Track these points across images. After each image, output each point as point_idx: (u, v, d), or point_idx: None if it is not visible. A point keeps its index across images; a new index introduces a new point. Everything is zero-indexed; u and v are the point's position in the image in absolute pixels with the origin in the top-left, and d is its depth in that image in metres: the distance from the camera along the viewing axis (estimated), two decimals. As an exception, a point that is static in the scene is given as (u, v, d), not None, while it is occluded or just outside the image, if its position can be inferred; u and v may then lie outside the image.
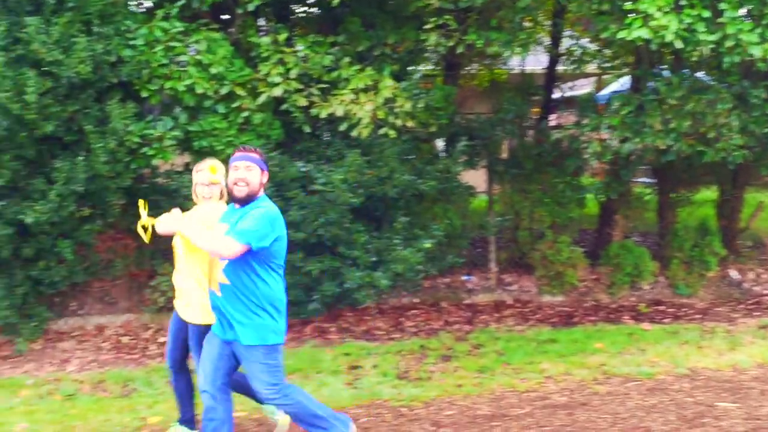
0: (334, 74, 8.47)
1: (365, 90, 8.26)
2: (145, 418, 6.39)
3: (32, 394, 7.06)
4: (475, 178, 10.37)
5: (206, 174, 5.51)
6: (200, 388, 5.26)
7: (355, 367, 7.66)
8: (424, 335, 8.79)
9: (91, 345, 8.50)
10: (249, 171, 5.01)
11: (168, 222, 5.07)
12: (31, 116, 7.53)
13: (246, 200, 5.04)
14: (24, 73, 7.48)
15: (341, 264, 8.47)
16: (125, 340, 8.65)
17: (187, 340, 5.66)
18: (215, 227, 5.16)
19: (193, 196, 5.68)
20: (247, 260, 4.93)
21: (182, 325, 5.67)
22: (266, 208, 5.03)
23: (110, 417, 6.43)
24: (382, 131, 8.34)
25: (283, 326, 5.15)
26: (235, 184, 5.03)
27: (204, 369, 5.23)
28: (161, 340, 8.63)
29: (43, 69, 7.62)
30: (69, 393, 7.09)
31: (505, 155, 10.56)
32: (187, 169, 8.94)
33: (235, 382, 5.51)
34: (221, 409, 5.19)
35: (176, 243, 5.62)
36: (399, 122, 8.33)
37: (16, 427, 6.16)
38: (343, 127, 8.29)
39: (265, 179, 5.10)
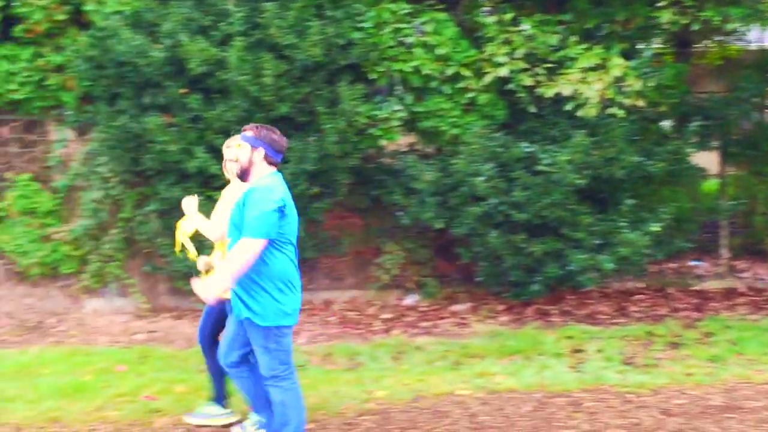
0: (561, 53, 8.33)
1: (593, 69, 8.08)
2: (372, 392, 6.55)
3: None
4: (707, 159, 9.92)
5: (234, 151, 5.48)
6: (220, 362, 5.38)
7: (578, 351, 7.55)
8: (649, 321, 8.54)
9: (319, 319, 8.83)
10: (238, 149, 5.02)
11: (200, 291, 4.88)
12: (268, 98, 7.88)
13: (240, 177, 5.02)
14: (262, 57, 7.84)
15: (564, 246, 8.34)
16: (351, 315, 8.94)
17: (217, 321, 5.68)
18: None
19: (224, 172, 5.65)
20: None
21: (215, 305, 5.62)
22: (261, 189, 4.85)
23: (339, 388, 6.64)
24: (609, 111, 8.14)
25: (291, 307, 4.95)
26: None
27: (221, 345, 5.36)
28: (385, 316, 8.85)
29: (279, 52, 7.95)
30: (300, 364, 7.35)
31: (740, 136, 10.02)
32: (412, 149, 9.11)
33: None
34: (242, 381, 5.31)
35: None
36: (628, 102, 8.10)
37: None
38: (569, 107, 8.15)
39: (258, 156, 4.96)
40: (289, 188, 7.95)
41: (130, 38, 7.96)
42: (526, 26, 8.43)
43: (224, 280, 4.72)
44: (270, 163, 5.02)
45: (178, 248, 5.79)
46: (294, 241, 5.04)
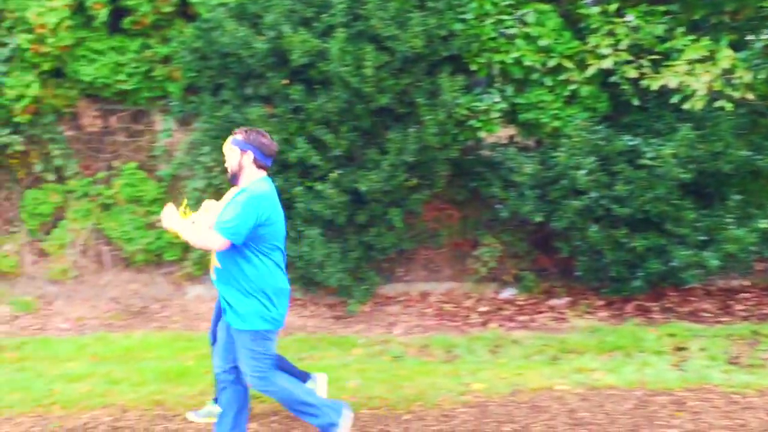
0: (667, 44, 8.13)
1: (701, 60, 7.86)
2: (469, 384, 6.55)
3: (363, 353, 7.46)
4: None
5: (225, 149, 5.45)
6: (213, 368, 5.40)
7: (680, 349, 7.40)
8: (755, 320, 8.28)
9: (415, 310, 8.84)
10: (229, 152, 5.16)
11: (165, 218, 5.14)
12: (368, 89, 7.90)
13: (232, 180, 5.18)
14: (363, 48, 7.86)
15: (667, 241, 8.16)
16: (447, 307, 8.91)
17: None
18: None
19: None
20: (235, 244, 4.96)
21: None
22: (249, 193, 5.00)
23: (435, 380, 6.65)
24: (717, 104, 7.91)
25: (278, 314, 5.09)
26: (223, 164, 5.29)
27: (218, 351, 5.35)
28: (482, 309, 8.81)
29: (380, 44, 7.97)
30: (396, 354, 7.42)
31: None
32: (512, 141, 9.03)
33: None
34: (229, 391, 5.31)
35: None
36: (737, 94, 7.86)
37: (350, 383, 6.55)
38: (675, 100, 7.96)
39: (247, 160, 5.10)
40: (389, 179, 8.05)
41: (234, 30, 8.08)
42: (630, 17, 8.24)
43: (181, 232, 5.03)
44: (259, 167, 5.16)
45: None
46: (282, 246, 5.18)
